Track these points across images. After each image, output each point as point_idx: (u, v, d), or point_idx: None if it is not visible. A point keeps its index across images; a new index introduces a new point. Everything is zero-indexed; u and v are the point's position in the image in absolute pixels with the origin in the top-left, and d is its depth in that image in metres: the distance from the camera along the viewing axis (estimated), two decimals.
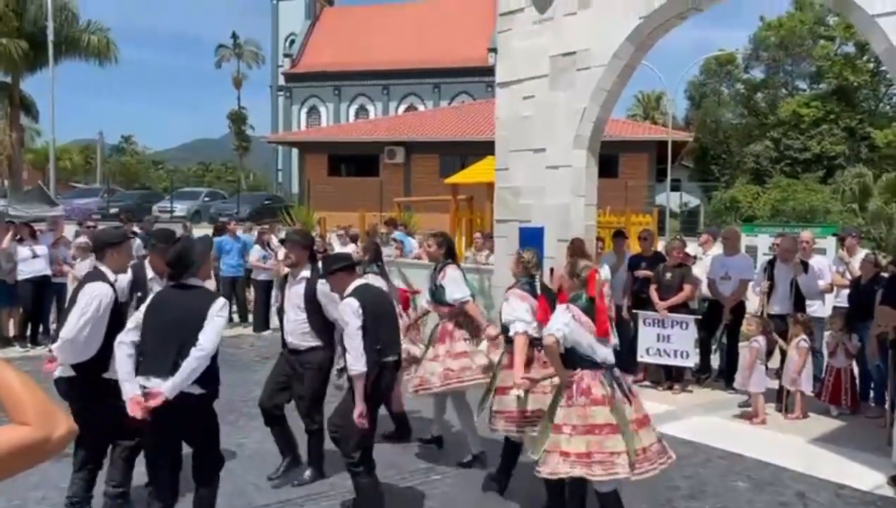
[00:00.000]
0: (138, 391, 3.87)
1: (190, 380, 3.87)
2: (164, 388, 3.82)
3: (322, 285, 5.14)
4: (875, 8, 5.69)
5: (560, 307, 4.34)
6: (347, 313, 4.47)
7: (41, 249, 10.12)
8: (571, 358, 4.20)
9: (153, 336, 3.96)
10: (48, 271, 10.07)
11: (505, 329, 5.06)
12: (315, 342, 5.24)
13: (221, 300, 4.15)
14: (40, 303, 10.20)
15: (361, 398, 4.39)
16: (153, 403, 3.81)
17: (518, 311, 4.93)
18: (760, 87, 46.18)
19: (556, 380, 4.42)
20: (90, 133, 55.95)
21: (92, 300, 4.21)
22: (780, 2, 44.72)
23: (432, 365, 5.67)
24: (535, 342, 4.85)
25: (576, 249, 6.69)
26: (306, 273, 5.28)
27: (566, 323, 4.14)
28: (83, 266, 9.60)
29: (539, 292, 5.05)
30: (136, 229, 12.23)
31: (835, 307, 8.31)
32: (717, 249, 9.32)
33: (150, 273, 4.84)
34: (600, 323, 4.24)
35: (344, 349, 4.59)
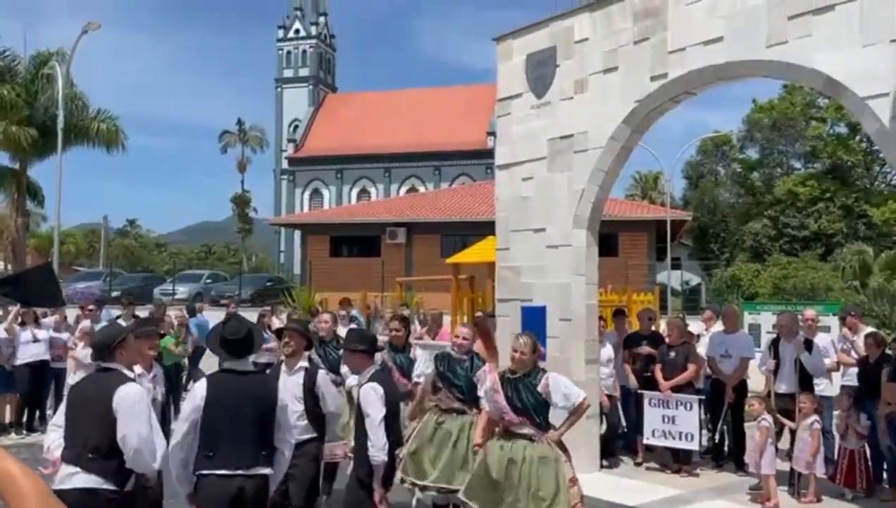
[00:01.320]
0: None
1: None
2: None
3: (323, 376, 5.14)
4: (864, 90, 5.84)
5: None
6: (372, 400, 4.51)
7: (42, 333, 10.06)
8: None
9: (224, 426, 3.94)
10: (47, 356, 9.99)
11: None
12: (311, 434, 5.12)
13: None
14: (38, 388, 10.07)
15: (380, 483, 4.41)
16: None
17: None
18: (756, 166, 46.96)
19: None
20: (95, 217, 56.84)
21: (140, 401, 3.90)
22: (771, 85, 45.96)
23: None
24: None
25: (482, 329, 6.20)
26: (304, 363, 5.28)
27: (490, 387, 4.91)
28: (85, 352, 9.55)
29: None
30: (136, 313, 12.21)
31: (842, 387, 8.19)
32: (720, 326, 9.27)
33: (138, 369, 4.69)
34: None
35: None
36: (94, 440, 3.78)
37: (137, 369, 4.60)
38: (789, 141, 44.63)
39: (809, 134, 42.96)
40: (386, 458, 4.44)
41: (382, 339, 8.15)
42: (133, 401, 3.81)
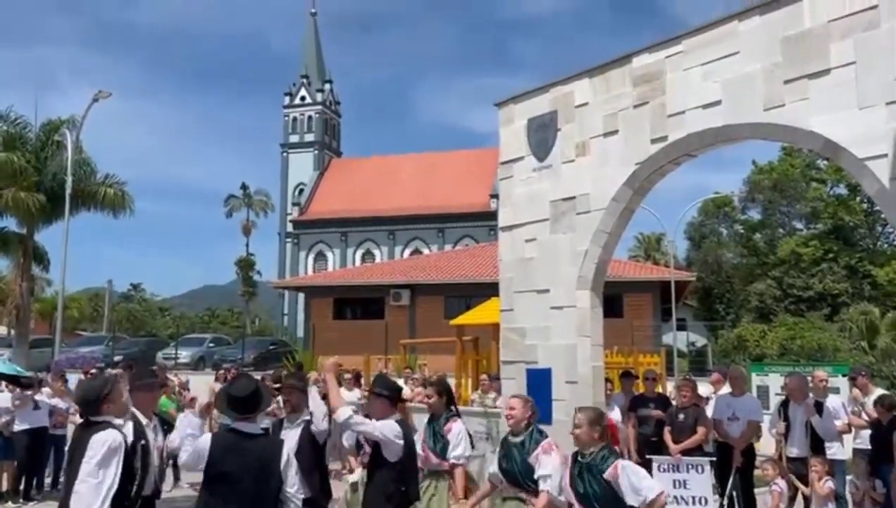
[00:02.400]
0: None
1: None
2: None
3: (317, 425, 5.02)
4: (863, 152, 5.89)
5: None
6: (389, 433, 4.49)
7: (43, 400, 9.98)
8: None
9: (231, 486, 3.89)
10: (47, 423, 9.88)
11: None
12: (308, 494, 4.86)
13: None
14: (36, 456, 9.92)
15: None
16: None
17: (554, 469, 4.83)
18: (758, 227, 47.15)
19: None
20: (99, 281, 56.99)
21: (102, 447, 3.84)
22: (770, 147, 46.58)
23: None
24: None
25: (443, 387, 6.05)
26: (307, 416, 5.14)
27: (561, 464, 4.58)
28: None
29: None
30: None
31: (855, 450, 8.04)
32: (728, 388, 9.15)
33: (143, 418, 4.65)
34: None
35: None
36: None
37: (142, 419, 4.50)
38: (791, 202, 44.93)
39: (810, 195, 43.28)
40: (325, 430, 4.61)
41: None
42: (98, 443, 3.71)
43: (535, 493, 4.80)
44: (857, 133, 5.92)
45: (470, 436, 5.96)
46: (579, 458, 4.56)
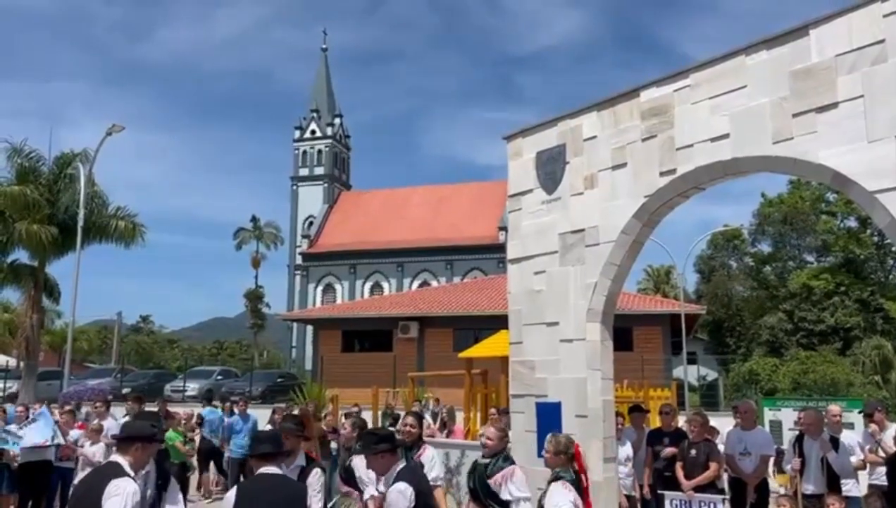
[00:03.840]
0: None
1: None
2: None
3: (316, 473, 5.00)
4: (873, 185, 5.88)
5: (558, 486, 4.62)
6: (400, 503, 4.39)
7: (50, 433, 9.91)
8: None
9: None
10: (51, 457, 9.81)
11: None
12: None
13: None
14: (40, 488, 9.84)
15: None
16: None
17: (524, 489, 5.12)
18: (768, 260, 46.96)
19: None
20: (108, 313, 56.97)
21: (126, 498, 3.78)
22: (779, 180, 46.57)
23: None
24: None
25: (419, 419, 6.63)
26: (301, 461, 5.15)
27: (573, 501, 4.26)
28: (94, 449, 9.40)
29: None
30: (144, 409, 12.07)
31: (870, 485, 7.89)
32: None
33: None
34: (587, 503, 4.51)
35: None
36: None
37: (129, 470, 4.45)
38: (801, 234, 44.80)
39: (820, 228, 43.14)
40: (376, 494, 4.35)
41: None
42: (122, 497, 3.68)
43: None
44: (867, 166, 5.92)
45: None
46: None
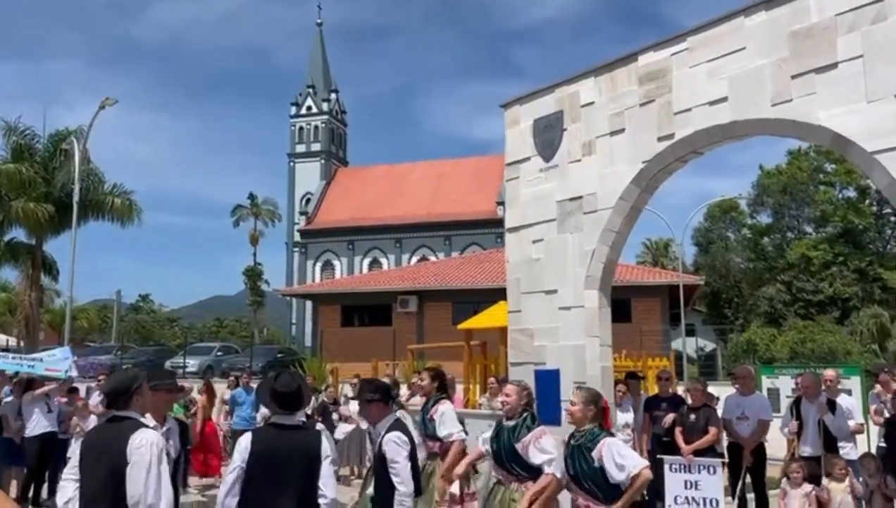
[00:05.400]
0: None
1: None
2: None
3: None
4: (872, 145, 5.84)
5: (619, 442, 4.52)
6: (398, 448, 4.45)
7: (54, 403, 9.95)
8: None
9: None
10: (56, 428, 9.84)
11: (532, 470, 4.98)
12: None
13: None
14: (46, 461, 9.88)
15: None
16: None
17: (552, 450, 4.94)
18: (766, 231, 46.95)
19: None
20: (109, 293, 56.97)
21: (153, 447, 3.66)
22: (777, 152, 46.43)
23: None
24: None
25: (436, 373, 6.66)
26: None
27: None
28: (90, 422, 9.43)
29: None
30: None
31: (879, 447, 7.94)
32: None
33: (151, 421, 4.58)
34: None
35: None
36: (106, 495, 3.56)
37: (150, 421, 4.38)
38: (799, 205, 44.74)
39: (819, 198, 43.09)
40: (412, 489, 4.35)
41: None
42: (149, 451, 3.60)
43: (518, 478, 4.97)
44: (866, 127, 5.88)
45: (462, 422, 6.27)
46: (572, 440, 4.71)
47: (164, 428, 4.79)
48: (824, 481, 6.81)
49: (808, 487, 6.72)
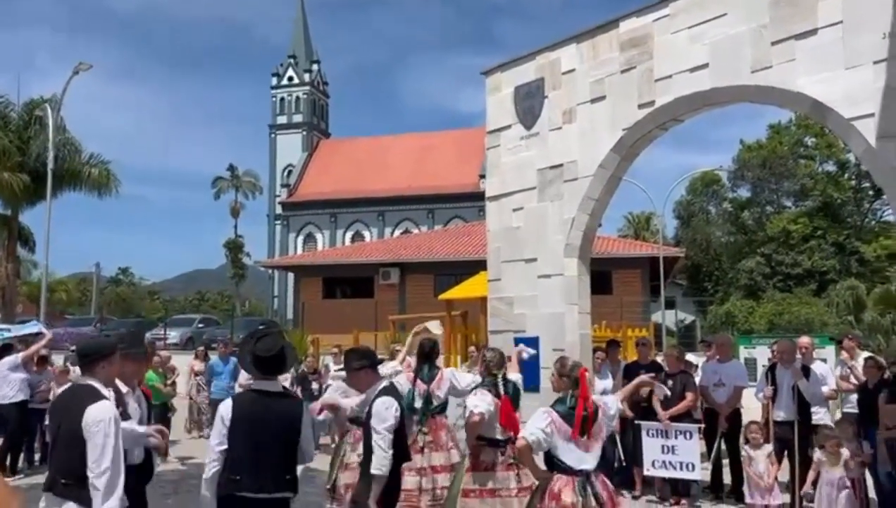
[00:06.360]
0: None
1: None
2: None
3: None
4: (850, 112, 5.87)
5: (539, 411, 4.34)
6: (383, 415, 4.39)
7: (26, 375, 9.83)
8: (549, 461, 4.20)
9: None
10: (26, 396, 9.68)
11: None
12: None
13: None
14: (25, 429, 9.79)
15: (376, 501, 4.24)
16: None
17: (482, 402, 5.05)
18: (747, 205, 47.29)
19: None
20: (87, 266, 56.31)
21: (108, 426, 3.68)
22: (758, 127, 46.65)
23: None
24: (498, 444, 5.02)
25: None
26: None
27: (542, 429, 4.15)
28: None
29: (504, 392, 5.11)
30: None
31: (844, 414, 8.08)
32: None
33: (123, 387, 4.57)
34: (577, 427, 4.21)
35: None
36: (65, 464, 3.61)
37: (123, 387, 4.40)
38: (779, 179, 45.04)
39: (799, 172, 43.40)
40: (387, 472, 4.28)
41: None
42: (103, 422, 3.63)
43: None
44: (844, 93, 5.90)
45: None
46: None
47: (135, 394, 4.74)
48: (817, 453, 6.85)
49: (768, 447, 6.82)
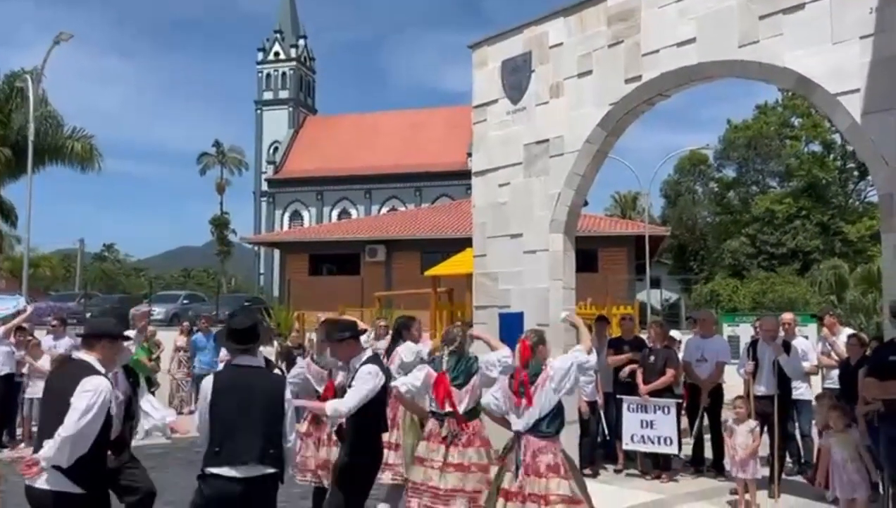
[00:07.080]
0: None
1: None
2: None
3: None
4: (836, 87, 5.86)
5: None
6: (366, 377, 4.49)
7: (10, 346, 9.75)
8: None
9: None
10: (12, 369, 9.63)
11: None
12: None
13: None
14: (9, 403, 9.73)
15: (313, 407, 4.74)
16: None
17: (409, 378, 5.34)
18: (733, 185, 47.48)
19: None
20: (72, 242, 55.71)
21: (98, 396, 3.73)
22: (745, 107, 46.64)
23: None
24: (436, 416, 5.22)
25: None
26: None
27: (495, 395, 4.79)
28: (41, 362, 9.35)
29: (445, 368, 5.26)
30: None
31: (824, 389, 8.17)
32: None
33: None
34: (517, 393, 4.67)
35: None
36: (54, 429, 3.63)
37: (99, 367, 4.40)
38: (765, 160, 45.21)
39: (785, 153, 43.57)
40: (345, 416, 4.44)
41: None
42: (92, 392, 3.66)
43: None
44: (830, 68, 5.89)
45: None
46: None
47: (112, 372, 4.72)
48: (823, 439, 6.81)
49: (752, 423, 6.88)
